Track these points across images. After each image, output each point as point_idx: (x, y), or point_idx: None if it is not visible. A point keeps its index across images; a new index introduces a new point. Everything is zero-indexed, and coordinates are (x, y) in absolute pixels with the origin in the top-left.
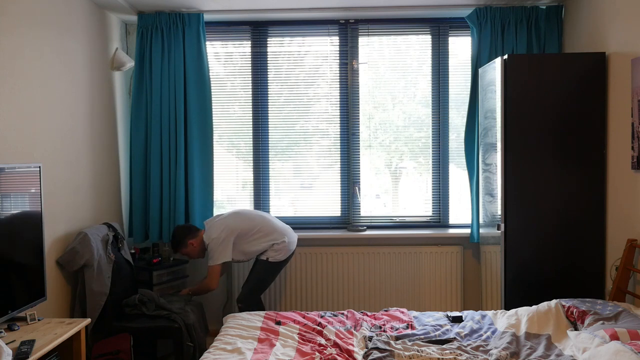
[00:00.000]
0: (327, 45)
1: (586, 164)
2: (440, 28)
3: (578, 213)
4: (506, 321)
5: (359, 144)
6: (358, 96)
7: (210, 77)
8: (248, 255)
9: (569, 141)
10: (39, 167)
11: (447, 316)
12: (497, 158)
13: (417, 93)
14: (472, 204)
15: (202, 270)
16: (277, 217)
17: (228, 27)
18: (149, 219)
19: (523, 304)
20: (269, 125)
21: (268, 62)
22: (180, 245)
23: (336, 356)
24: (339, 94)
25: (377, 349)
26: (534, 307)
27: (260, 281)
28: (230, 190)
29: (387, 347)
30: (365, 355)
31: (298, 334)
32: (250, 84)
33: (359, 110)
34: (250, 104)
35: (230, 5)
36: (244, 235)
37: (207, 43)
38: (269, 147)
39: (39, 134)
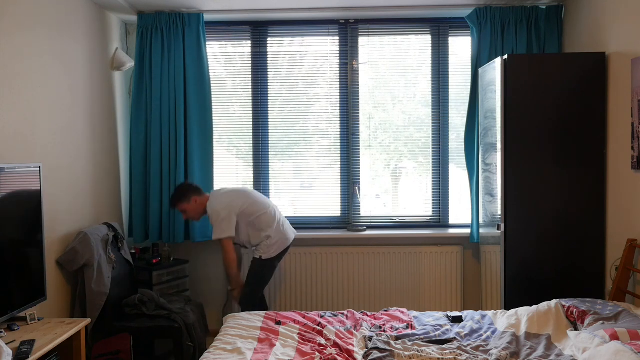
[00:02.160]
0: (327, 45)
1: (586, 164)
2: (440, 28)
3: (578, 213)
4: (506, 321)
5: (359, 144)
6: (358, 96)
7: (211, 77)
8: (248, 238)
9: (569, 141)
10: (39, 167)
11: (447, 316)
12: (497, 158)
13: (417, 93)
14: (472, 204)
15: (202, 270)
16: None
17: (228, 27)
18: (149, 219)
19: (523, 304)
20: (269, 125)
21: (268, 62)
22: (183, 198)
23: (336, 356)
24: (339, 94)
25: (377, 349)
26: (534, 307)
27: (258, 279)
28: None
29: (387, 347)
30: (365, 355)
31: (298, 334)
32: (250, 84)
33: (359, 110)
34: (250, 104)
35: (230, 5)
36: (246, 214)
37: (207, 43)
38: (269, 147)
39: (39, 134)
